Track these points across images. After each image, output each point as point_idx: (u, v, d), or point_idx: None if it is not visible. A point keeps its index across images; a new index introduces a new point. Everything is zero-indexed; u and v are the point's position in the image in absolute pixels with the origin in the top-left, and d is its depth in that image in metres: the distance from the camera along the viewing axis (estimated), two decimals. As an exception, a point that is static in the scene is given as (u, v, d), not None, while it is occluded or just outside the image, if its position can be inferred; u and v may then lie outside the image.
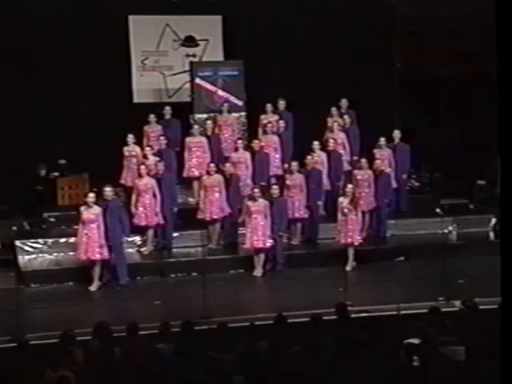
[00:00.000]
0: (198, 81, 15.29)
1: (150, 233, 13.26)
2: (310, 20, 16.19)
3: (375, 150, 14.45)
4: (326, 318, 8.91)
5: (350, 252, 12.73)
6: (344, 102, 15.23)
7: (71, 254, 12.85)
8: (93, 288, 12.04)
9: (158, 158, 13.53)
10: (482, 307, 8.97)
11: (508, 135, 3.98)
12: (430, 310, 8.98)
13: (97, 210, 11.95)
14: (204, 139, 14.35)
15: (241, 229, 13.26)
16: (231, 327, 8.87)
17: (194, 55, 16.47)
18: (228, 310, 10.72)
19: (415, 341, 7.92)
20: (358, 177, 13.79)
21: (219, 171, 13.51)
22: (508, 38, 3.93)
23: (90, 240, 11.88)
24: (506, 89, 3.97)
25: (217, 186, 13.32)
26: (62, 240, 13.30)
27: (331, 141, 14.48)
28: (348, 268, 12.53)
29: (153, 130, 14.56)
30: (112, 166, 13.87)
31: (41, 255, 13.19)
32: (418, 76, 16.55)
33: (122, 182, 14.00)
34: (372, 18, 16.24)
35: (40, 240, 13.34)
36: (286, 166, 14.07)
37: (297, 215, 13.47)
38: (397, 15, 16.63)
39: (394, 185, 14.44)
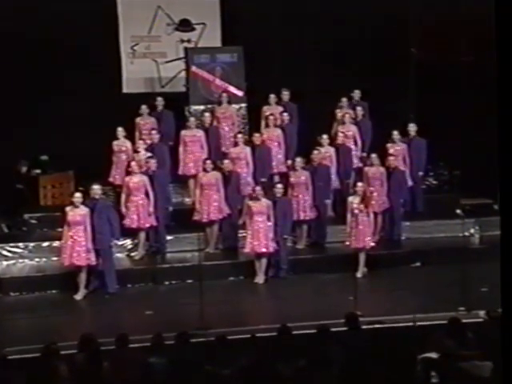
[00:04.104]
0: (193, 69, 15.28)
1: (142, 236, 13.23)
2: (318, 2, 16.11)
3: (388, 145, 14.45)
4: (334, 329, 8.89)
5: (361, 257, 12.73)
6: (357, 93, 15.25)
7: (55, 259, 12.88)
8: (78, 296, 12.03)
9: (149, 154, 13.50)
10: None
11: (508, 135, 3.99)
12: (450, 321, 8.94)
13: (83, 210, 11.92)
14: (201, 133, 14.31)
15: (241, 231, 13.27)
16: (231, 339, 8.85)
17: (189, 41, 16.50)
18: (227, 320, 10.73)
19: (433, 355, 7.91)
20: (370, 174, 13.77)
21: (216, 168, 13.49)
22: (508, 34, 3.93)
23: (76, 244, 11.86)
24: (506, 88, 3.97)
25: (214, 184, 13.29)
26: (45, 244, 13.33)
27: (340, 134, 14.47)
28: (359, 274, 12.56)
29: (145, 122, 14.56)
30: (100, 163, 13.86)
31: (21, 261, 13.20)
32: (436, 63, 16.47)
33: (111, 179, 14.01)
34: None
35: (20, 244, 13.36)
36: (290, 162, 14.05)
37: (302, 216, 13.46)
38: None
39: (410, 183, 14.43)
